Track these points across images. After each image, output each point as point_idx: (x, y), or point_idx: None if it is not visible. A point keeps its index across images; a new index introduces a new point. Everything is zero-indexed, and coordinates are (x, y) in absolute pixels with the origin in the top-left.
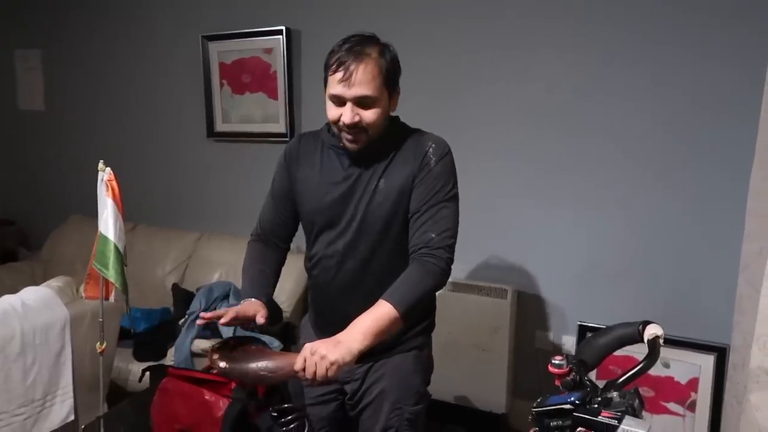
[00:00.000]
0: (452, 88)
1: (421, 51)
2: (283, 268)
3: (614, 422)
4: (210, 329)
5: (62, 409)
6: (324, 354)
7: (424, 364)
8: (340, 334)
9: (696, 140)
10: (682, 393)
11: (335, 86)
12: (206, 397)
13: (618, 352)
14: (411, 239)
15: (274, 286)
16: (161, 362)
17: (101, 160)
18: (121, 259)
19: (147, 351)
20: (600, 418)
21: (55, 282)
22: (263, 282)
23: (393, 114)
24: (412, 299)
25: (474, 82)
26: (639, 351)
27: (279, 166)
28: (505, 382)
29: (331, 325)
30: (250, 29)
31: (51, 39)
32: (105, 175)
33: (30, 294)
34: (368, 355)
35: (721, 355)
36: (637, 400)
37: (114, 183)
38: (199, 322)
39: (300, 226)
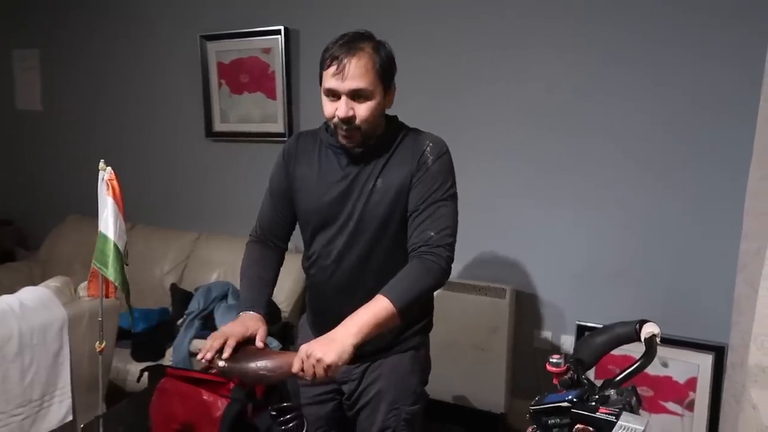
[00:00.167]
0: (452, 87)
1: (420, 51)
2: (282, 268)
3: (612, 418)
4: (209, 329)
5: (60, 409)
6: (320, 357)
7: (422, 364)
8: (335, 329)
9: (696, 140)
10: (680, 392)
11: (329, 80)
12: (204, 397)
13: (616, 352)
14: (410, 238)
15: (273, 288)
16: (159, 362)
17: (102, 160)
18: (121, 257)
19: (145, 351)
20: (598, 414)
21: (53, 282)
22: (261, 288)
23: (392, 114)
24: (410, 296)
25: (474, 81)
26: (637, 350)
27: (277, 165)
28: (504, 381)
29: (328, 325)
30: (248, 29)
31: (49, 39)
32: (106, 174)
33: (28, 294)
34: (365, 356)
35: (719, 354)
36: (634, 398)
37: (114, 182)
38: (203, 363)
39: (297, 225)
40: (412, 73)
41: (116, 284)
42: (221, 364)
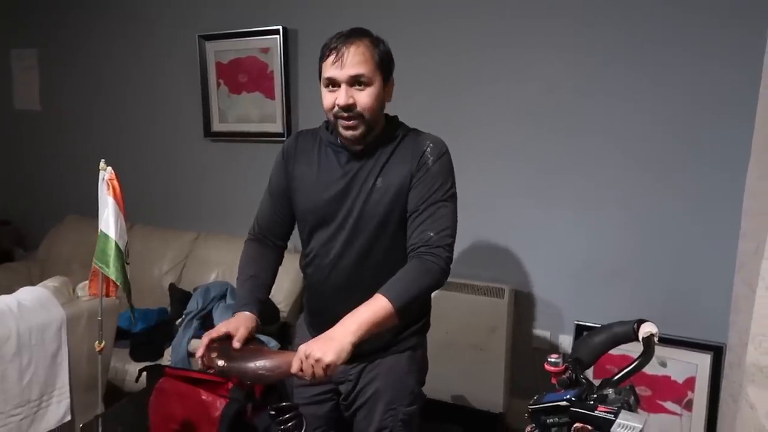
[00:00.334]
0: (452, 87)
1: (420, 51)
2: (281, 268)
3: (611, 416)
4: (207, 329)
5: (59, 409)
6: (319, 357)
7: (419, 365)
8: (333, 328)
9: (696, 140)
10: (679, 392)
11: (328, 69)
12: (203, 397)
13: (615, 352)
14: (409, 238)
15: (270, 287)
16: (158, 362)
17: (102, 160)
18: (122, 256)
19: (144, 351)
20: (597, 413)
21: (52, 282)
22: (255, 287)
23: (391, 114)
24: (409, 296)
25: (473, 81)
26: (636, 350)
27: (276, 164)
28: (503, 381)
29: (326, 325)
30: (246, 29)
31: (47, 38)
32: (106, 174)
33: (26, 294)
34: (362, 356)
35: (717, 354)
36: (632, 397)
37: (115, 182)
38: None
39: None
40: (412, 73)
41: (117, 283)
42: (220, 363)
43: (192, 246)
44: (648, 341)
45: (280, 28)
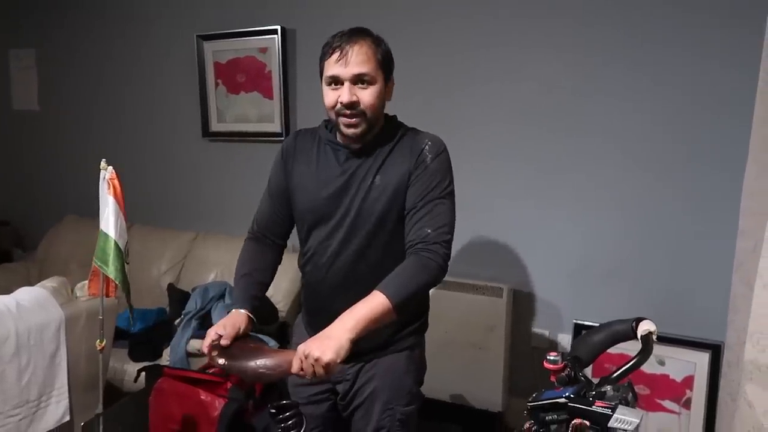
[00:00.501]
0: (446, 87)
1: (417, 51)
2: (279, 267)
3: (608, 411)
4: (206, 329)
5: (57, 409)
6: (318, 356)
7: (417, 365)
8: (331, 326)
9: (695, 140)
10: (677, 390)
11: (332, 67)
12: (202, 397)
13: (613, 350)
14: (407, 235)
15: (267, 285)
16: (157, 362)
17: (104, 159)
18: (122, 256)
19: (142, 351)
20: (595, 408)
21: (50, 282)
22: (249, 286)
23: (390, 114)
24: (407, 292)
25: (469, 81)
26: (634, 348)
27: (275, 163)
28: (501, 380)
29: (323, 324)
30: (245, 29)
31: (46, 38)
32: (107, 173)
33: (24, 294)
34: (360, 355)
35: (716, 352)
36: (630, 393)
37: (116, 181)
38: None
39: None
40: (409, 73)
41: (117, 282)
42: (221, 361)
43: (190, 246)
44: (647, 339)
45: (278, 28)
